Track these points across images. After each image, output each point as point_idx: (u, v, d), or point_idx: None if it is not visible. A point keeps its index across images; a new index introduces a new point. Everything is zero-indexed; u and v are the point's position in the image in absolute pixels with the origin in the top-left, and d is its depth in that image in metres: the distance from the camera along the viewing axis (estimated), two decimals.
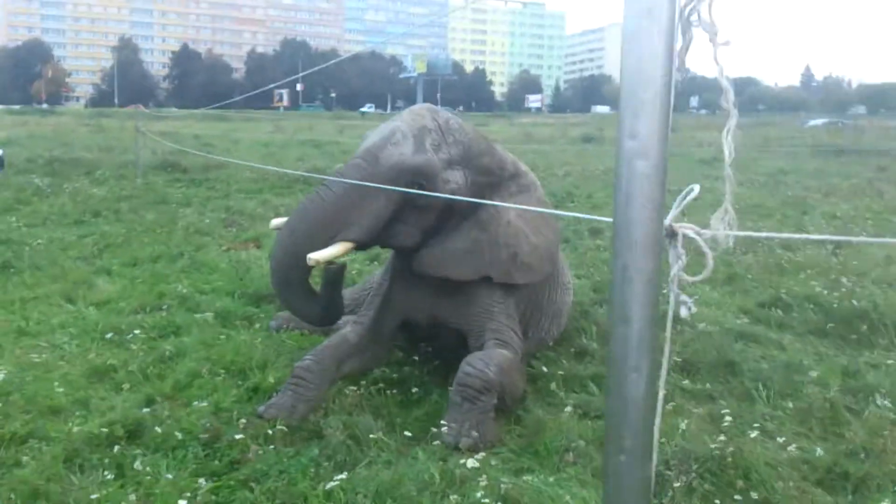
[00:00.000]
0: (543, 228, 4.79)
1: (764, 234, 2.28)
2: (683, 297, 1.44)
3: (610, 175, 16.04)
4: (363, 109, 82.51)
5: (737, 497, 3.25)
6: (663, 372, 1.50)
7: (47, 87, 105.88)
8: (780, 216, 11.33)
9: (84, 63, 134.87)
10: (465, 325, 4.55)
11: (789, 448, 3.75)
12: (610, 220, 1.34)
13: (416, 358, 4.94)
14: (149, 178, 16.28)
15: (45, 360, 5.01)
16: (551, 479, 3.44)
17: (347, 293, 5.61)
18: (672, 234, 1.39)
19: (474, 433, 3.84)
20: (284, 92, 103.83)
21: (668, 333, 1.52)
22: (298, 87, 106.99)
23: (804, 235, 4.51)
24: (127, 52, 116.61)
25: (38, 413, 4.18)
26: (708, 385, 4.66)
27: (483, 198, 4.42)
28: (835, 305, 6.08)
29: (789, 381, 4.63)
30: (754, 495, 3.28)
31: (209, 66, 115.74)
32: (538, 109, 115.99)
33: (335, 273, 4.34)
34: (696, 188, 1.40)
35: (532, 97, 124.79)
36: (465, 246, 4.45)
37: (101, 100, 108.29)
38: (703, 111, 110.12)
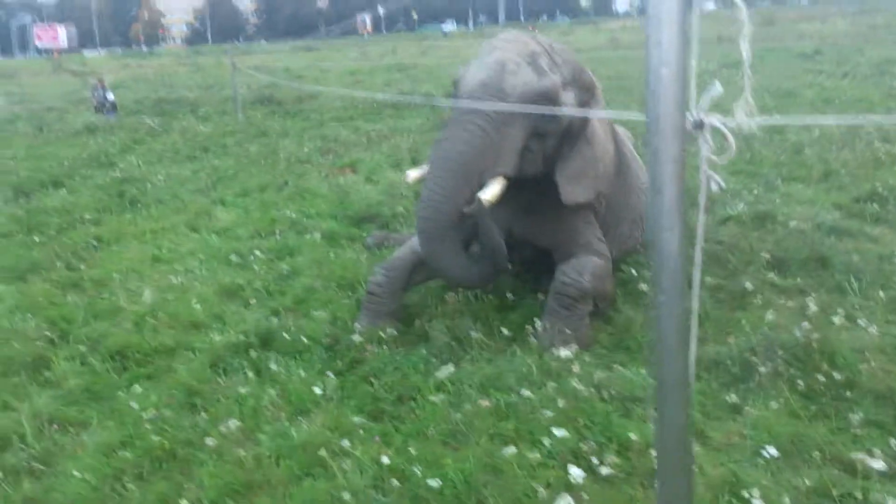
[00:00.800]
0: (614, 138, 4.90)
1: (784, 120, 2.44)
2: (712, 175, 1.72)
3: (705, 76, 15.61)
4: (444, 29, 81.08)
5: (821, 378, 3.46)
6: (699, 233, 1.81)
7: (145, 30, 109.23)
8: (884, 109, 10.93)
9: (177, 3, 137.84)
10: (554, 244, 4.69)
11: (873, 332, 3.92)
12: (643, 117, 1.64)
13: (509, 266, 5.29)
14: (247, 112, 16.96)
15: (180, 282, 5.63)
16: (642, 371, 3.74)
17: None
18: (699, 125, 1.66)
19: (570, 339, 4.12)
20: (367, 17, 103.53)
21: (701, 203, 1.81)
22: (380, 10, 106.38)
23: (831, 119, 4.50)
24: None
25: (181, 327, 4.79)
26: (799, 280, 4.79)
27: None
28: None
29: (881, 271, 4.73)
30: (838, 376, 3.48)
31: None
32: (627, 13, 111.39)
33: (482, 212, 4.00)
34: (718, 85, 1.67)
35: None
36: (582, 166, 4.41)
37: (195, 38, 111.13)
38: (804, 1, 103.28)
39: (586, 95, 4.46)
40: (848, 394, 3.39)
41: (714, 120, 1.65)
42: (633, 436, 3.09)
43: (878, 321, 4.09)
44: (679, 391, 1.71)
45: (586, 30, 58.82)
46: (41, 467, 3.34)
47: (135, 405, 3.76)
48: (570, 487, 2.83)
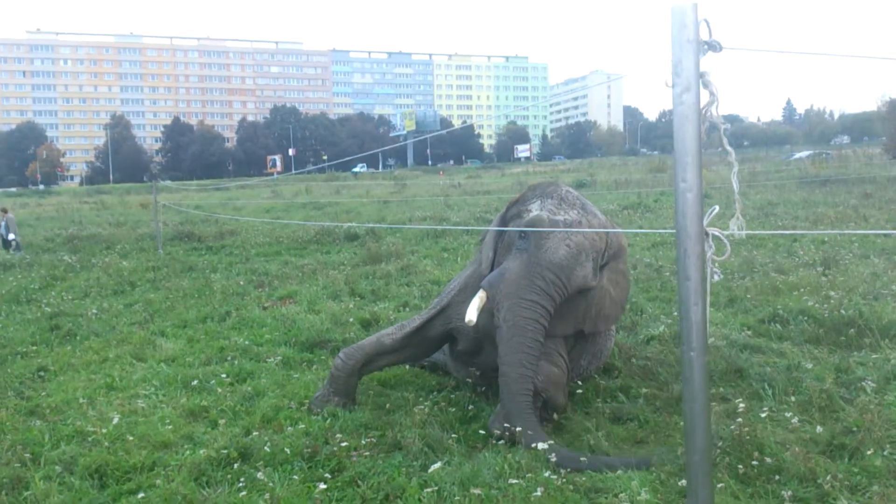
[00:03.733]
0: (622, 282, 5.61)
1: (767, 232, 3.27)
2: (714, 269, 2.32)
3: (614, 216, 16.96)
4: (355, 170, 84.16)
5: (755, 463, 4.00)
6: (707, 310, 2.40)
7: (42, 168, 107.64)
8: (772, 245, 12.19)
9: (77, 142, 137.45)
10: None
11: (793, 426, 4.53)
12: (673, 230, 2.27)
13: (469, 381, 5.74)
14: (167, 248, 17.13)
15: (142, 407, 5.77)
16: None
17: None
18: (706, 234, 2.29)
19: (517, 427, 4.51)
20: (277, 157, 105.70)
21: (707, 286, 2.42)
22: (291, 151, 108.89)
23: (804, 231, 5.39)
24: (119, 128, 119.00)
25: (153, 447, 4.94)
26: (721, 389, 5.44)
27: None
28: (826, 316, 6.90)
29: (791, 380, 5.42)
30: (769, 460, 4.03)
31: (201, 137, 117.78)
32: (528, 159, 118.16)
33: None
34: (717, 207, 2.32)
35: (521, 147, 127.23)
36: (566, 309, 5.14)
37: (95, 177, 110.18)
38: None
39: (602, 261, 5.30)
40: (777, 477, 3.91)
41: (715, 231, 2.27)
42: None
43: (791, 420, 4.69)
44: (704, 417, 2.55)
45: (492, 173, 62.04)
46: None
47: None
48: None
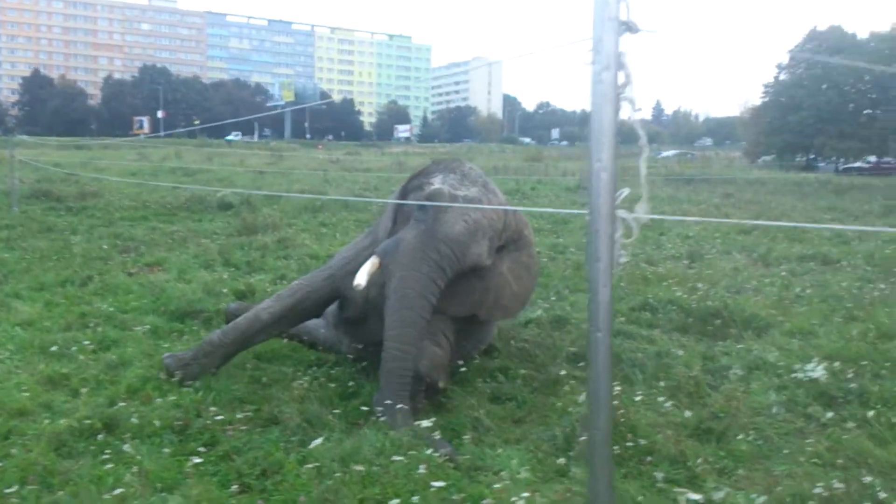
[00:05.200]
0: (525, 277, 5.64)
1: (674, 218, 3.29)
2: (621, 252, 2.34)
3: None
4: (229, 137, 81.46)
5: (629, 444, 4.15)
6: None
7: None
8: (641, 237, 12.72)
9: None
10: None
11: (665, 410, 4.74)
12: (585, 212, 2.26)
13: (350, 357, 5.68)
14: (23, 206, 15.99)
15: None
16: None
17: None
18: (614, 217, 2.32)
19: (404, 407, 4.52)
20: (145, 119, 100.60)
21: (612, 270, 2.45)
22: (160, 114, 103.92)
23: (714, 220, 5.65)
24: None
25: (7, 415, 4.60)
26: None
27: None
28: (693, 306, 7.26)
29: (661, 366, 5.67)
30: (643, 442, 4.19)
31: (62, 93, 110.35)
32: (407, 139, 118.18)
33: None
34: (627, 190, 2.33)
35: (401, 127, 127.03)
36: (462, 289, 5.18)
37: None
38: (564, 142, 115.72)
39: (500, 245, 5.36)
40: (649, 458, 4.09)
41: (623, 213, 2.29)
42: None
43: (661, 404, 4.92)
44: (605, 397, 2.49)
45: (371, 152, 61.61)
46: None
47: None
48: None
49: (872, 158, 49.26)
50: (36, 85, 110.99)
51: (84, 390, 5.06)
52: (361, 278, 4.84)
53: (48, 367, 5.45)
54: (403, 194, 5.38)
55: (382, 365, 4.67)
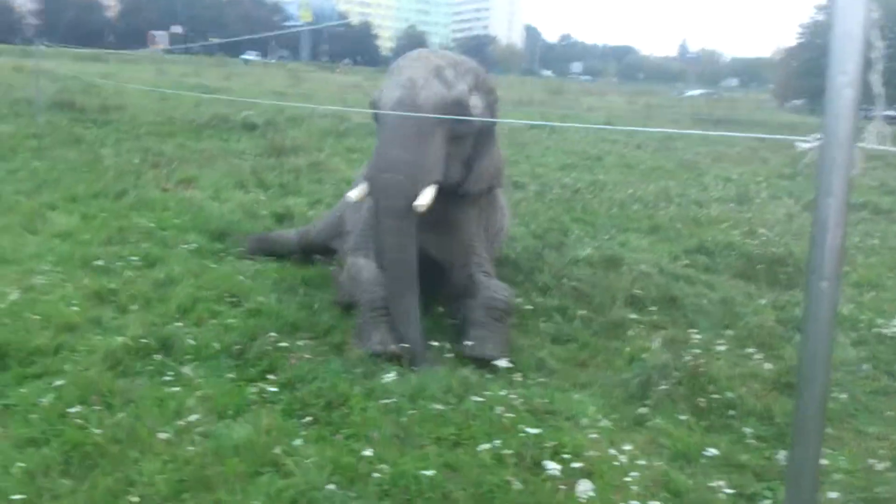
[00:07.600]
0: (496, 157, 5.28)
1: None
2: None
3: (521, 133, 16.84)
4: (245, 57, 79.91)
5: (715, 396, 3.96)
6: None
7: None
8: (680, 178, 12.40)
9: None
10: (451, 258, 5.05)
11: (749, 361, 4.53)
12: (803, 139, 2.05)
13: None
14: (47, 116, 15.69)
15: (41, 284, 5.20)
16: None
17: (319, 223, 6.28)
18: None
19: (502, 349, 4.42)
20: (163, 34, 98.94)
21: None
22: (177, 28, 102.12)
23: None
24: None
25: (56, 329, 4.44)
26: (656, 317, 5.39)
27: (493, 115, 4.98)
28: (756, 252, 6.99)
29: (726, 312, 5.44)
30: (729, 395, 4.00)
31: (79, 3, 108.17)
32: None
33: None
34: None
35: None
36: (489, 163, 4.95)
37: None
38: (585, 77, 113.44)
39: (491, 97, 5.02)
40: (731, 412, 3.90)
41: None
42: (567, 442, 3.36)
43: (732, 355, 4.68)
44: (824, 360, 2.12)
45: None
46: None
47: (43, 401, 3.48)
48: (544, 481, 3.04)
49: None
50: None
51: (133, 307, 4.91)
52: (353, 195, 4.80)
53: (94, 282, 5.28)
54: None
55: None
